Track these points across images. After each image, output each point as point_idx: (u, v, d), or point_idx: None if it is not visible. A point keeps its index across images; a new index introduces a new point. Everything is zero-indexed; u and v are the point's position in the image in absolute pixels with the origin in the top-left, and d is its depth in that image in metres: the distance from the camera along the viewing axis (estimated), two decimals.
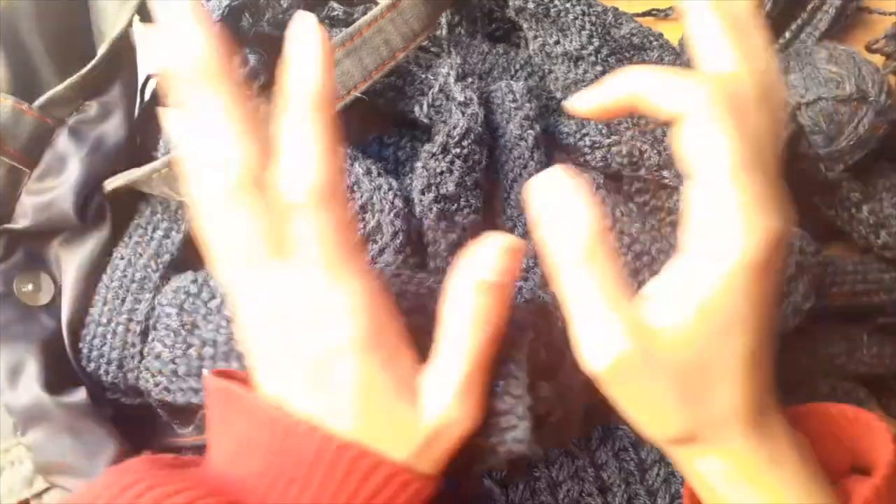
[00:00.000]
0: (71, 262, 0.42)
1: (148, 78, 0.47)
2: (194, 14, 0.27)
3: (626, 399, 0.29)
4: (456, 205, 0.39)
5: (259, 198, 0.27)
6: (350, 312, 0.27)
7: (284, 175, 0.27)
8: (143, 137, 0.45)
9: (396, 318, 0.30)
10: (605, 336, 0.27)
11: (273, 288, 0.28)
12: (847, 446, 0.33)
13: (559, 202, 0.27)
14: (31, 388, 0.39)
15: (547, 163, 0.42)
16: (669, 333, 0.27)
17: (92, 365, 0.40)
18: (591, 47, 0.45)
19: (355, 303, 0.28)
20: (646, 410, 0.29)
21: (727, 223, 0.26)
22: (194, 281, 0.40)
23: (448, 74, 0.42)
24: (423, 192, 0.39)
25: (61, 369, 0.41)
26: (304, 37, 0.28)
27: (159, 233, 0.43)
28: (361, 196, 0.42)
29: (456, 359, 0.28)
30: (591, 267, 0.27)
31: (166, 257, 0.42)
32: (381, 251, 0.41)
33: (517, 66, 0.49)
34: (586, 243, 0.27)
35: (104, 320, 0.41)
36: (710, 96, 0.27)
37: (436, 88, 0.42)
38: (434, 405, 0.28)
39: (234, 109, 0.27)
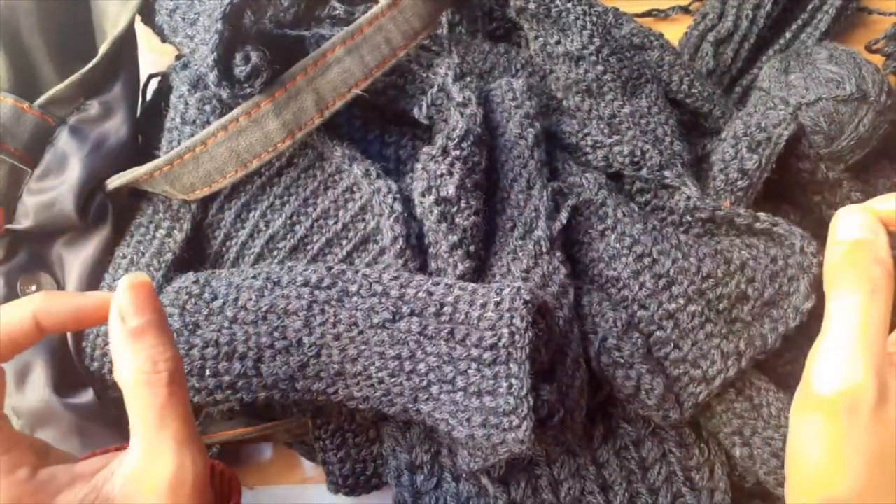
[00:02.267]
0: (73, 262, 0.42)
1: (150, 77, 0.47)
2: None
3: (829, 438, 0.27)
4: (456, 207, 0.39)
5: None
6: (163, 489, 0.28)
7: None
8: (144, 136, 0.45)
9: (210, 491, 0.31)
10: (848, 364, 0.27)
11: None
12: None
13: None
14: (38, 389, 0.39)
15: (547, 161, 0.42)
16: None
17: (95, 364, 0.40)
18: (592, 47, 0.45)
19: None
20: (837, 459, 0.27)
21: None
22: (196, 282, 0.40)
23: (446, 74, 0.42)
24: (423, 195, 0.39)
25: (68, 371, 0.41)
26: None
27: (161, 231, 0.43)
28: (361, 197, 0.42)
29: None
30: (870, 301, 0.28)
31: (168, 256, 0.42)
32: (382, 252, 0.41)
33: (518, 66, 0.49)
34: (879, 282, 0.28)
35: None
36: None
37: (435, 88, 0.42)
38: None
39: None
